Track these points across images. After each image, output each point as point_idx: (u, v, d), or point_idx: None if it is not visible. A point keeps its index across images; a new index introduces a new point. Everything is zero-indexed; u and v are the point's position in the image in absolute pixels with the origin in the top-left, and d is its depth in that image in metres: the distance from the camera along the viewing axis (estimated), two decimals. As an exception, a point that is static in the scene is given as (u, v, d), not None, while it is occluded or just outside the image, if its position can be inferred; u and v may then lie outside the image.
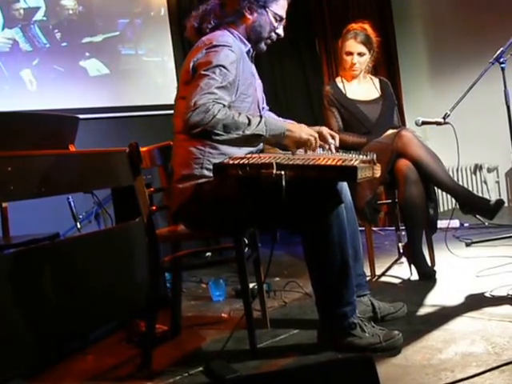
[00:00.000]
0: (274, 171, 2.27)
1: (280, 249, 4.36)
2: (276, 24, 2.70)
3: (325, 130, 2.66)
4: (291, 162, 2.31)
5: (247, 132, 2.42)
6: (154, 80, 5.78)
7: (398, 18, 6.62)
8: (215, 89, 2.41)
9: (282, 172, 2.26)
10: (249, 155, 2.45)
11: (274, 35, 2.74)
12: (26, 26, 5.07)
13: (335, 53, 4.99)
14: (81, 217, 4.48)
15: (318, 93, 6.05)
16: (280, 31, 2.74)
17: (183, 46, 5.76)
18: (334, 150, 2.61)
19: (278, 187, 2.26)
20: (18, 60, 5.05)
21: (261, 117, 2.48)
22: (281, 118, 2.88)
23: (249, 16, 2.67)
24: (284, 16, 2.73)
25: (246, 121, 2.42)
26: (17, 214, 3.65)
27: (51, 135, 3.20)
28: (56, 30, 5.27)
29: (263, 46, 2.76)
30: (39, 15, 5.16)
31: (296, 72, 6.65)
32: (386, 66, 6.35)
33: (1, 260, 2.69)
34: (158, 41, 5.86)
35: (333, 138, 2.65)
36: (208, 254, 3.81)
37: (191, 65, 2.54)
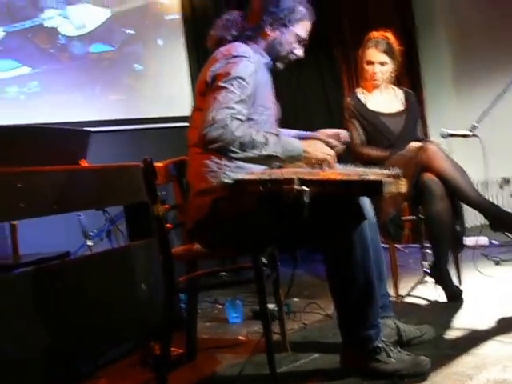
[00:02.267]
0: (296, 187, 2.16)
1: (299, 267, 4.25)
2: (296, 44, 2.66)
3: (343, 133, 2.71)
4: (314, 178, 2.22)
5: (263, 152, 2.35)
6: (167, 92, 5.69)
7: (420, 26, 6.48)
8: (234, 103, 2.34)
9: (305, 188, 2.16)
10: (269, 170, 2.38)
11: (292, 55, 2.68)
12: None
13: (354, 61, 4.90)
14: (92, 234, 4.38)
15: (337, 103, 5.93)
16: (299, 52, 2.69)
17: (198, 57, 5.69)
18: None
19: (299, 203, 2.17)
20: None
21: (278, 136, 2.41)
22: (291, 132, 2.82)
23: (269, 32, 2.62)
24: (306, 38, 2.68)
25: (264, 140, 2.35)
26: (25, 230, 3.56)
27: (62, 150, 3.12)
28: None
29: (280, 64, 2.70)
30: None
31: (314, 81, 6.54)
32: (408, 76, 6.20)
33: (10, 280, 2.64)
34: (171, 52, 5.78)
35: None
36: (223, 273, 3.73)
37: (209, 75, 2.47)
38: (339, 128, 2.89)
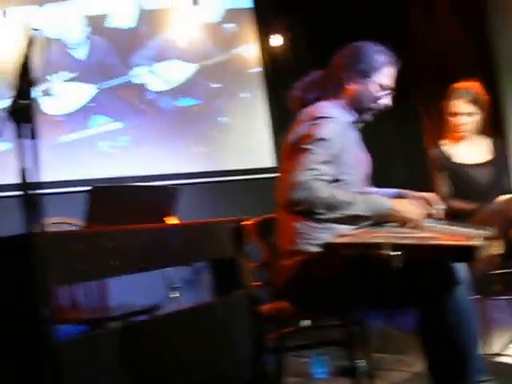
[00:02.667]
0: (388, 252, 2.13)
1: (378, 318, 4.17)
2: (380, 94, 2.61)
3: (431, 198, 2.56)
4: (405, 242, 2.17)
5: (350, 212, 2.32)
6: (250, 144, 5.78)
7: (504, 74, 6.34)
8: (318, 164, 2.33)
9: (396, 253, 2.12)
10: (358, 231, 2.34)
11: (379, 105, 2.64)
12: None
13: (436, 113, 4.83)
14: (177, 286, 4.43)
15: (417, 156, 5.86)
16: (386, 101, 2.64)
17: (278, 110, 5.76)
18: (441, 216, 2.52)
19: (390, 267, 2.12)
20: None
21: (365, 195, 2.38)
22: (378, 190, 2.80)
23: (350, 87, 2.60)
24: (391, 85, 2.63)
25: (350, 200, 2.32)
26: (111, 280, 3.62)
27: (151, 207, 3.20)
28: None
29: (368, 116, 2.67)
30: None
31: (393, 134, 6.48)
32: (493, 125, 6.06)
33: (101, 336, 2.68)
34: (254, 104, 5.88)
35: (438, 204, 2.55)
36: (306, 322, 3.68)
37: (293, 138, 2.48)
38: (420, 182, 2.83)
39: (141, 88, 5.34)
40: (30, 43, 1.78)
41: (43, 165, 1.69)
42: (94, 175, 4.77)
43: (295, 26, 5.98)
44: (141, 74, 5.34)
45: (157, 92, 5.40)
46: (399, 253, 2.11)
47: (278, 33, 5.92)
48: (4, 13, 4.57)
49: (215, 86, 5.72)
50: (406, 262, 2.13)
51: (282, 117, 5.73)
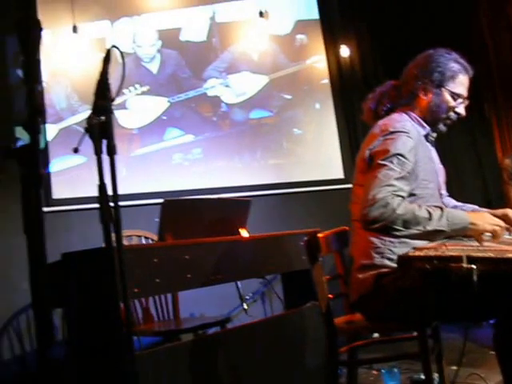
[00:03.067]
0: (465, 265, 2.08)
1: (452, 331, 4.05)
2: (454, 103, 2.56)
3: (510, 213, 2.48)
4: (482, 255, 2.11)
5: (428, 228, 2.28)
6: (324, 155, 5.76)
7: None
8: (394, 180, 2.30)
9: (473, 266, 2.07)
10: (434, 245, 2.29)
11: (453, 115, 2.59)
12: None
13: (507, 118, 4.71)
14: (247, 297, 4.45)
15: (490, 165, 5.72)
16: (460, 110, 2.59)
17: (346, 119, 5.77)
18: None
19: (467, 281, 2.06)
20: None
21: (442, 210, 2.32)
22: (456, 203, 2.76)
23: (423, 97, 2.57)
24: (464, 94, 2.58)
25: (427, 215, 2.28)
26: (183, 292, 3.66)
27: (224, 220, 3.23)
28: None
29: (442, 126, 2.63)
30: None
31: (464, 138, 6.33)
32: None
33: (175, 348, 2.71)
34: (327, 115, 5.86)
35: None
36: (376, 334, 3.63)
37: (367, 153, 2.45)
38: (493, 192, 2.76)
39: (213, 101, 5.38)
40: (107, 60, 1.82)
41: (118, 178, 1.73)
42: (167, 188, 4.85)
43: (363, 37, 5.96)
44: (213, 87, 5.39)
45: (229, 104, 5.45)
46: (476, 266, 2.07)
47: (346, 43, 5.91)
48: (74, 28, 4.68)
49: (287, 97, 5.73)
50: (484, 276, 2.07)
51: (351, 128, 5.73)
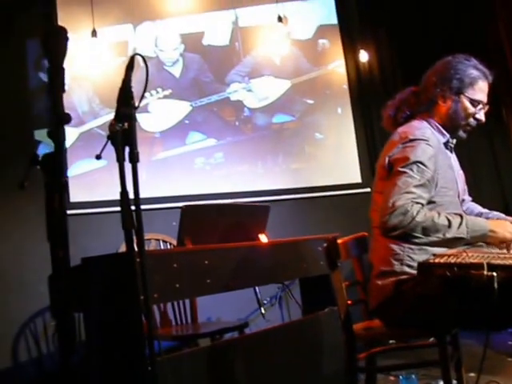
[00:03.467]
0: (485, 272, 2.08)
1: (469, 337, 4.02)
2: (474, 109, 2.56)
3: None
4: (503, 262, 2.11)
5: (447, 235, 2.29)
6: (344, 160, 5.75)
7: None
8: (413, 187, 2.31)
9: (494, 273, 2.07)
10: (454, 252, 2.29)
11: (472, 121, 2.59)
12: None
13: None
14: (265, 302, 4.45)
15: (507, 166, 5.67)
16: (480, 116, 2.58)
17: (364, 124, 5.77)
18: None
19: (488, 288, 2.07)
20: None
21: (461, 217, 2.33)
22: (482, 210, 2.74)
23: (442, 104, 2.57)
24: (484, 100, 2.58)
25: (447, 223, 2.29)
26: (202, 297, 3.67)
27: (245, 225, 3.24)
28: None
29: (462, 133, 2.63)
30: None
31: (482, 143, 6.26)
32: None
33: (193, 353, 2.73)
34: (349, 120, 5.85)
35: None
36: (392, 341, 3.61)
37: (387, 160, 2.46)
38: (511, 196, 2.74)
39: (235, 105, 5.39)
40: (130, 67, 1.84)
41: (140, 182, 1.75)
42: (188, 192, 4.87)
43: (382, 42, 5.95)
44: (236, 91, 5.40)
45: (251, 109, 5.45)
46: (495, 273, 2.06)
47: (365, 48, 5.88)
48: (94, 32, 4.71)
49: (309, 102, 5.72)
50: (504, 283, 2.07)
51: (369, 132, 5.72)
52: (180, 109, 5.13)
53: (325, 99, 5.80)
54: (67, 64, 1.68)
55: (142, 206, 1.74)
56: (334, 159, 5.68)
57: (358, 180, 5.57)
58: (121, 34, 5.01)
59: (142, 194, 1.77)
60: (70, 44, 1.70)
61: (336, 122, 5.81)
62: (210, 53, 5.39)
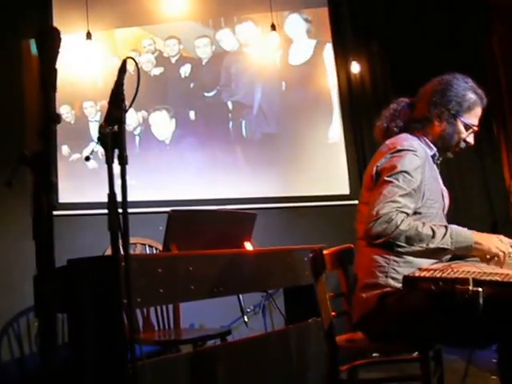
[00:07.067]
0: (471, 287, 2.07)
1: (453, 353, 4.01)
2: (466, 133, 2.58)
3: None
4: (489, 278, 2.11)
5: (431, 245, 2.28)
6: (323, 171, 5.75)
7: None
8: (399, 197, 2.31)
9: (479, 289, 2.06)
10: (440, 266, 2.28)
11: (462, 144, 2.61)
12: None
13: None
14: (248, 310, 4.44)
15: (496, 184, 5.70)
16: (469, 140, 2.61)
17: (354, 135, 5.78)
18: None
19: (472, 303, 2.06)
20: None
21: (446, 228, 2.32)
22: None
23: (437, 124, 2.57)
24: (476, 123, 2.59)
25: (431, 233, 2.28)
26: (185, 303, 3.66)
27: (230, 232, 3.24)
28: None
29: (450, 154, 2.66)
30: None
31: (473, 161, 6.27)
32: None
33: (176, 360, 2.69)
34: (328, 131, 5.85)
35: None
36: (375, 354, 3.61)
37: (375, 170, 2.46)
38: (501, 216, 2.74)
39: (224, 112, 5.44)
40: (122, 71, 1.83)
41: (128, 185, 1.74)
42: (173, 197, 4.86)
43: (374, 54, 5.97)
44: (225, 99, 5.46)
45: (240, 117, 5.50)
46: (480, 289, 2.06)
47: (357, 60, 5.89)
48: (88, 34, 4.72)
49: (299, 111, 5.74)
50: (489, 299, 2.07)
51: (358, 144, 5.73)
52: (171, 114, 5.15)
53: (315, 109, 5.81)
54: (59, 65, 1.67)
55: (129, 210, 1.73)
56: (323, 170, 5.69)
57: (346, 191, 5.57)
58: (114, 37, 5.03)
59: (130, 198, 1.76)
60: (64, 45, 1.69)
61: (326, 133, 5.82)
62: (200, 58, 5.42)
